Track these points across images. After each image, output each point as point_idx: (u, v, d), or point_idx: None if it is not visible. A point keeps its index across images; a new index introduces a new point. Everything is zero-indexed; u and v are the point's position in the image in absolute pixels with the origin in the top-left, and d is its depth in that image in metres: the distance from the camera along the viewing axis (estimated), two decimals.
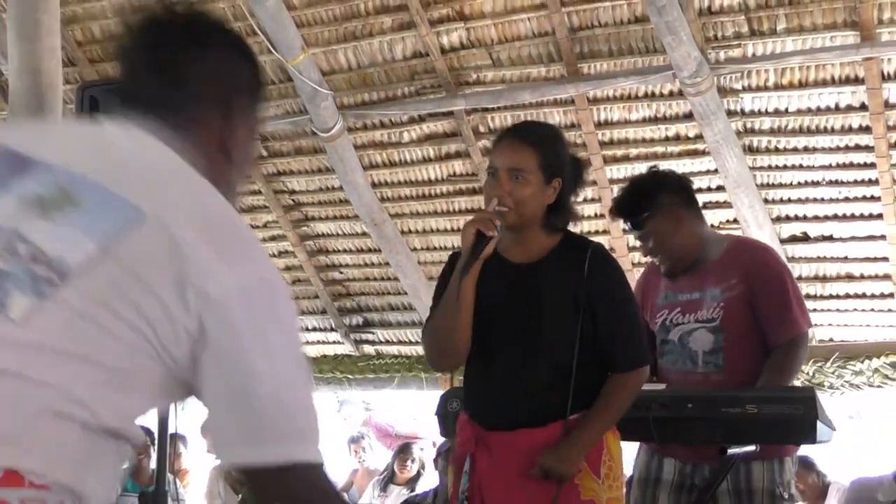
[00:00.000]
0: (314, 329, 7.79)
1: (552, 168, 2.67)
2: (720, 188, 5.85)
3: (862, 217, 5.84)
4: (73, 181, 1.20)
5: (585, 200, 6.33)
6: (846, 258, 6.03)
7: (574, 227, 2.85)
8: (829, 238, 6.00)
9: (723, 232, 5.25)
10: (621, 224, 3.69)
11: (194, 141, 1.34)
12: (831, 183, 5.78)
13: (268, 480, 1.20)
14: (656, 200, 3.38)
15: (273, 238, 7.40)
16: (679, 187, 3.49)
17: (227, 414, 1.21)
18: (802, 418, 2.83)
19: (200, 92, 1.36)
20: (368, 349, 7.67)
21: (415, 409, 8.18)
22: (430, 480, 6.76)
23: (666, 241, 3.36)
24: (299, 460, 1.21)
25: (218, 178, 1.34)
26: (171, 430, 3.46)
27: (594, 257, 2.64)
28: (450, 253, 2.90)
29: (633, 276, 4.74)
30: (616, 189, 6.20)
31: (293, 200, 7.18)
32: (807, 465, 5.57)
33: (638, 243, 3.71)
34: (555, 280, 2.65)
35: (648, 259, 3.69)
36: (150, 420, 2.30)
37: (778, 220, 6.00)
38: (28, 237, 1.14)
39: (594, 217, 6.35)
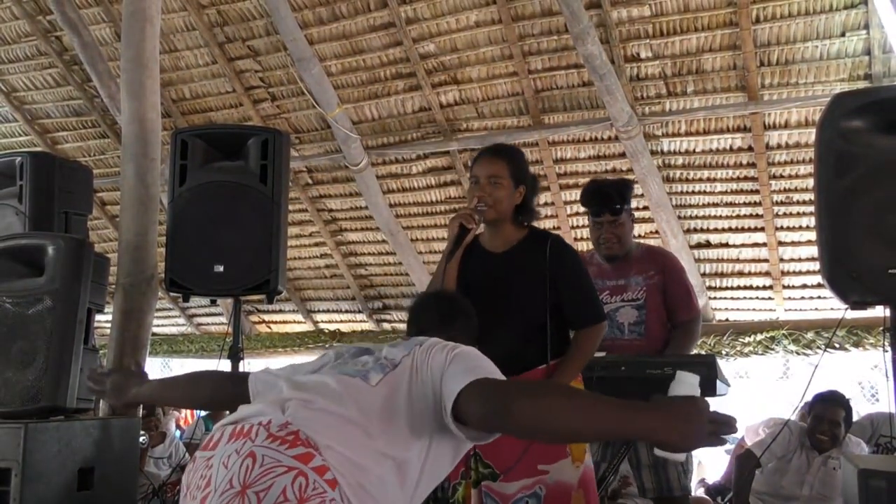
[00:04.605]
0: (347, 311, 7.75)
1: (519, 177, 2.62)
2: (646, 208, 5.83)
3: (749, 230, 5.83)
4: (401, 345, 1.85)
5: (546, 217, 6.35)
6: (738, 259, 6.03)
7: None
8: (726, 245, 5.99)
9: (645, 241, 5.27)
10: (592, 210, 3.42)
11: None
12: (727, 204, 5.78)
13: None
14: (629, 202, 3.42)
15: (316, 244, 7.36)
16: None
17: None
18: (706, 377, 2.81)
19: (456, 328, 2.09)
20: (386, 326, 7.63)
21: None
22: None
23: (623, 233, 3.35)
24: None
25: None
26: None
27: (553, 244, 2.59)
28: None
29: None
30: (569, 208, 6.24)
31: (331, 216, 7.14)
32: None
33: (593, 228, 3.45)
34: (523, 262, 2.58)
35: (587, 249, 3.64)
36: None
37: (688, 231, 5.99)
38: (382, 354, 1.77)
39: (552, 229, 6.32)
